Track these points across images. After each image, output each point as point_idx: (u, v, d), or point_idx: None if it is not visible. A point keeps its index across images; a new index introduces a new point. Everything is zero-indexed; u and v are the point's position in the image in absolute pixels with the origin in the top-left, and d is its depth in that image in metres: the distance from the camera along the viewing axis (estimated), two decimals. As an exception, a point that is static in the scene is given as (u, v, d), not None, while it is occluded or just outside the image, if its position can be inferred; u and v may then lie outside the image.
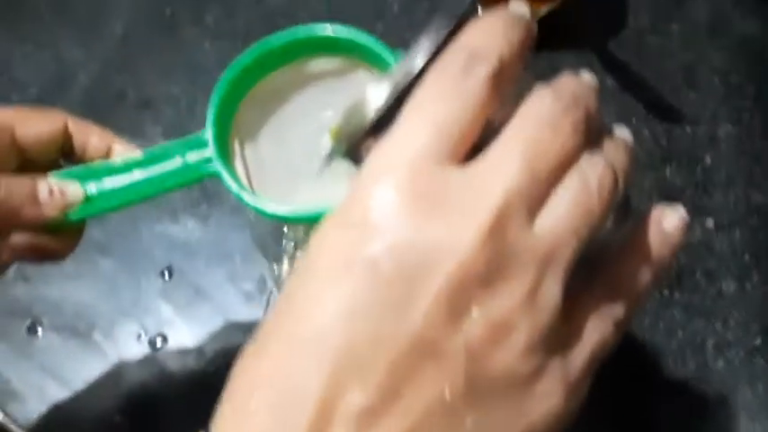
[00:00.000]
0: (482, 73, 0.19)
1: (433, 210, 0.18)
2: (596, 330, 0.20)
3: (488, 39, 0.19)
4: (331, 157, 0.21)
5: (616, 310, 0.20)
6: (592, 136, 0.20)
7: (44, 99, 0.44)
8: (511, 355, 0.18)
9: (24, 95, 0.45)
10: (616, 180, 0.19)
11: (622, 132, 0.22)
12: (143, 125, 0.43)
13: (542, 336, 0.18)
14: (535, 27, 0.20)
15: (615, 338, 0.20)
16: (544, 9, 0.41)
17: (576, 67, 0.22)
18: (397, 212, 0.18)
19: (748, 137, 0.39)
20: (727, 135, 0.39)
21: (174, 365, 0.36)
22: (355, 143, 0.20)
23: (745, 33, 0.43)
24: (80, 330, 0.37)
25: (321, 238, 0.19)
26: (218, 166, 0.29)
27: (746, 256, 0.36)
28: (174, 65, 0.45)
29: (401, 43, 0.24)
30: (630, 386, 0.33)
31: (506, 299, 0.18)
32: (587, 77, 0.21)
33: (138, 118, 0.43)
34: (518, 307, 0.18)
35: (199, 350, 0.37)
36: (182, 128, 0.42)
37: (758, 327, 0.34)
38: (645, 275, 0.21)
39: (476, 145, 0.19)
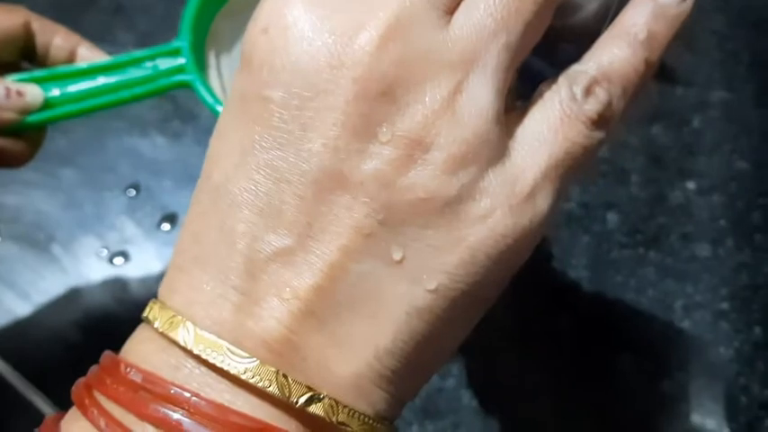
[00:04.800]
0: None
1: (321, 22, 0.16)
2: (558, 132, 0.16)
3: None
4: None
5: (588, 106, 0.16)
6: None
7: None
8: (430, 175, 0.15)
9: (-15, -14, 0.41)
10: None
11: None
12: (114, 31, 0.40)
13: (469, 150, 0.15)
14: None
15: (591, 141, 0.16)
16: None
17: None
18: (283, 33, 0.16)
19: (739, 104, 0.39)
20: (718, 100, 0.39)
21: (134, 285, 0.35)
22: None
23: (749, 2, 0.42)
24: (39, 241, 0.36)
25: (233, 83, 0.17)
26: (191, 75, 0.28)
27: (722, 222, 0.36)
28: (152, -30, 0.42)
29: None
30: (597, 340, 0.33)
31: (418, 112, 0.15)
32: None
33: (110, 23, 0.41)
34: (432, 120, 0.15)
35: (161, 272, 0.35)
36: (155, 37, 0.40)
37: (726, 292, 0.34)
38: (631, 57, 0.17)
39: None
